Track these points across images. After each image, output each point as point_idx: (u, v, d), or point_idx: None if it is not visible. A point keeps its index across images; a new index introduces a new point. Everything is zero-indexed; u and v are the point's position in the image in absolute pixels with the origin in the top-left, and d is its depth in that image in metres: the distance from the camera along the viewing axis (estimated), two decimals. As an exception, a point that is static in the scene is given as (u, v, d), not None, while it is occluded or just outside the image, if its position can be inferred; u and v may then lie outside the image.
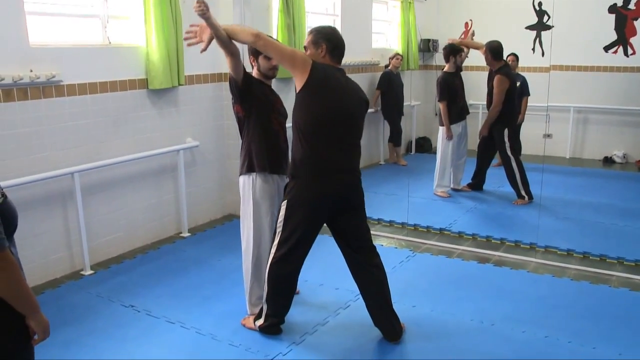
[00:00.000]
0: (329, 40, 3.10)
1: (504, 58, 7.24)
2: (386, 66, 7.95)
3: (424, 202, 6.26)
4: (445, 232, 5.26)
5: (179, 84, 5.06)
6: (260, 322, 3.40)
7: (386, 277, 3.37)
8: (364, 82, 7.99)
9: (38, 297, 3.97)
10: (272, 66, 3.44)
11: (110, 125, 4.64)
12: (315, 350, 3.27)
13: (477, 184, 6.65)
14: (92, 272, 4.41)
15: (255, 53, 3.43)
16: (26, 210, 4.15)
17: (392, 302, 3.38)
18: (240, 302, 3.78)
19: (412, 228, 5.41)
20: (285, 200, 3.14)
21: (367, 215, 5.55)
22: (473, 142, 6.88)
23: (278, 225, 3.18)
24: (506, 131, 6.12)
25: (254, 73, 3.51)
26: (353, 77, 7.41)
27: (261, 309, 3.41)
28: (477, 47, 6.36)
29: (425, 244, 5.01)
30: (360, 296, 3.85)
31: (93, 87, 4.47)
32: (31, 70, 4.02)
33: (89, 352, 3.28)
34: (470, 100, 8.94)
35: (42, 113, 4.16)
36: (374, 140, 8.28)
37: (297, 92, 3.06)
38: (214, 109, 5.62)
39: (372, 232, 5.23)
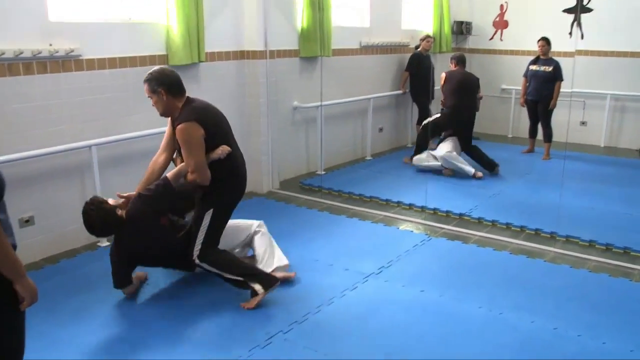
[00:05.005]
0: (163, 84, 3.37)
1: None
2: (416, 47, 7.81)
3: (448, 186, 6.16)
4: (465, 218, 5.17)
5: (200, 61, 5.07)
6: (259, 290, 3.47)
7: None
8: (392, 63, 7.89)
9: (54, 266, 4.11)
10: None
11: (129, 100, 4.68)
12: (316, 329, 3.26)
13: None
14: (108, 243, 4.48)
15: None
16: (46, 181, 4.25)
17: (401, 285, 3.32)
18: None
19: (432, 212, 5.33)
20: (212, 209, 3.52)
21: (387, 197, 5.59)
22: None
23: (202, 229, 3.52)
24: None
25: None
26: (381, 58, 7.52)
27: (248, 286, 3.50)
28: None
29: (443, 228, 4.94)
30: (368, 279, 3.86)
31: (113, 62, 4.51)
32: (50, 45, 4.08)
33: (97, 319, 3.37)
34: (503, 84, 8.82)
35: (62, 87, 4.23)
36: (401, 122, 8.19)
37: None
38: (235, 87, 5.63)
39: (390, 214, 5.26)
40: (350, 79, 7.13)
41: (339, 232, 4.82)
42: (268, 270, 3.71)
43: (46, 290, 3.64)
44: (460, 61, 6.73)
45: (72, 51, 4.19)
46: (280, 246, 4.01)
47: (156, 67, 3.48)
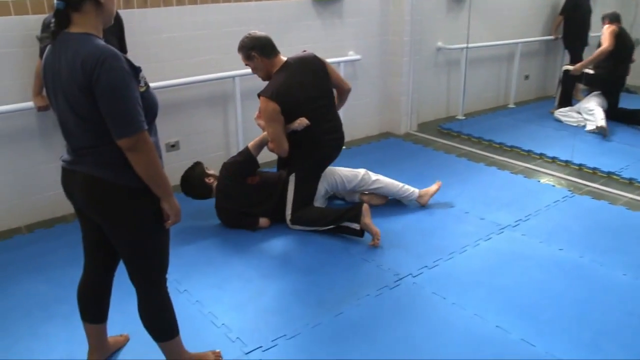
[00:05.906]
0: (254, 47, 3.49)
1: None
2: (575, -11, 7.16)
3: (596, 141, 5.71)
4: (614, 177, 4.77)
5: (344, -4, 4.99)
6: (355, 226, 3.52)
7: None
8: (545, 5, 7.32)
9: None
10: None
11: (272, 33, 4.62)
12: (446, 276, 3.19)
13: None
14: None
15: None
16: (191, 108, 4.45)
17: (538, 241, 3.15)
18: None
19: (577, 167, 4.98)
20: (294, 175, 3.69)
21: (529, 148, 5.31)
22: None
23: (289, 194, 3.69)
24: None
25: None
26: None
27: (348, 228, 3.57)
28: None
29: (588, 186, 4.60)
30: (504, 230, 3.71)
31: (259, -7, 4.55)
32: (201, -26, 4.18)
33: (229, 248, 3.56)
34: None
35: (210, 17, 4.35)
36: (550, 70, 7.65)
37: None
38: (378, 24, 5.50)
39: (531, 166, 5.00)
40: (498, 21, 6.73)
41: (476, 179, 4.66)
42: (413, 189, 4.04)
43: (187, 212, 3.87)
44: (617, 19, 6.10)
45: (215, -18, 4.28)
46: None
47: (247, 34, 3.58)
